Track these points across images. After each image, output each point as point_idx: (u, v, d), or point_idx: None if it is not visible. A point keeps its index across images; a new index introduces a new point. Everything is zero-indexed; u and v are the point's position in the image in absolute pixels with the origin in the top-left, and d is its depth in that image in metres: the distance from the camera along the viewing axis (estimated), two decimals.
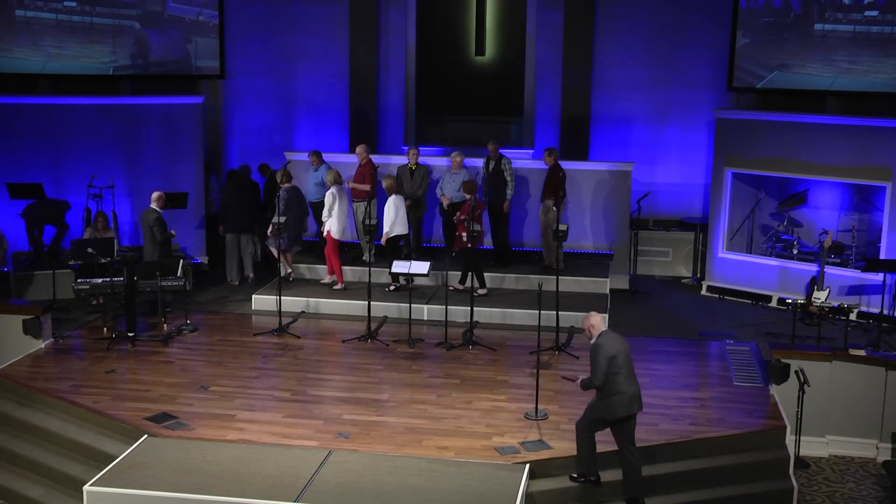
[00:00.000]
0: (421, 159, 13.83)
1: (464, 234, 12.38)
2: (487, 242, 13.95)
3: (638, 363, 11.10)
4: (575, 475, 8.52)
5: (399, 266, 11.87)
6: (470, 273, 12.39)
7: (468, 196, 12.54)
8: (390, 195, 12.93)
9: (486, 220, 13.67)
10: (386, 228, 12.93)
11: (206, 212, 15.19)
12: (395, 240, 13.04)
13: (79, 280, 12.10)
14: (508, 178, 13.35)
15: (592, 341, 8.27)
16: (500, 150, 13.78)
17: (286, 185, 13.20)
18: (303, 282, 13.67)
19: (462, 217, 12.49)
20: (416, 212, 13.65)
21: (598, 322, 8.33)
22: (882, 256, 12.84)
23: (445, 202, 13.55)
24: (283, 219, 12.34)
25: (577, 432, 8.44)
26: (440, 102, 16.37)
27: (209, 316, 12.70)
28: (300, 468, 8.26)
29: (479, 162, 13.97)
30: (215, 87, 16.30)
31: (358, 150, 13.84)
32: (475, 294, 12.37)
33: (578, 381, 8.43)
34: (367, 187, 13.47)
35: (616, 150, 15.51)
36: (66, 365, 10.81)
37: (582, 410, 9.55)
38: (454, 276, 13.04)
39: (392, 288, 13.03)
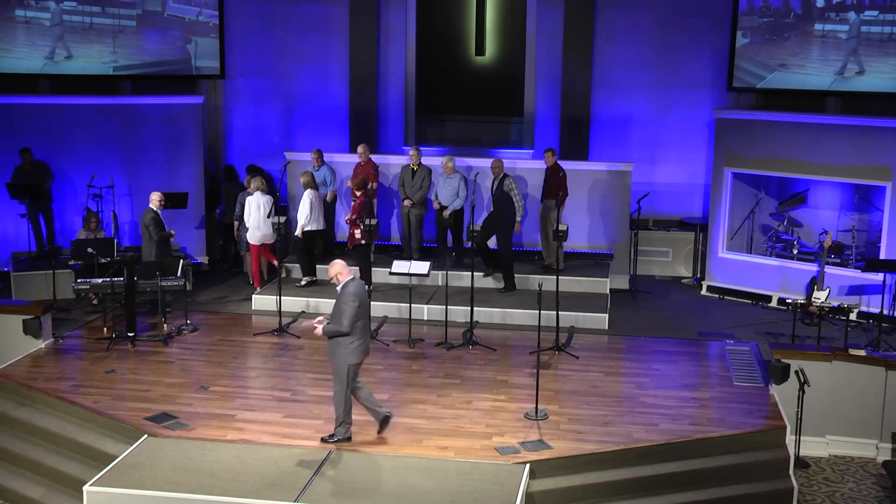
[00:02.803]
0: (423, 160, 13.77)
1: (356, 232, 12.63)
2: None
3: (638, 363, 11.20)
4: (337, 437, 8.73)
5: (399, 266, 11.88)
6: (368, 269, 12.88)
7: (358, 193, 12.78)
8: (305, 190, 13.08)
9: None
10: (301, 222, 13.09)
11: (223, 220, 15.20)
12: (312, 236, 13.22)
13: (79, 280, 12.11)
14: (517, 201, 12.85)
15: (340, 287, 8.55)
16: (500, 151, 13.72)
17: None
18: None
19: (353, 216, 12.65)
20: (417, 212, 13.64)
21: (345, 269, 8.62)
22: (882, 256, 12.84)
23: (436, 205, 13.51)
24: (277, 219, 12.44)
25: (345, 395, 8.62)
26: (440, 102, 16.37)
27: (209, 316, 12.70)
28: (300, 468, 8.26)
29: (479, 162, 13.94)
30: (215, 87, 16.31)
31: (359, 149, 13.88)
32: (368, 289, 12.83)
33: (318, 329, 8.55)
34: (373, 186, 13.47)
35: (616, 150, 15.50)
36: (66, 365, 10.81)
37: (583, 410, 9.59)
38: (453, 276, 13.03)
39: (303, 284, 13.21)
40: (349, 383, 8.63)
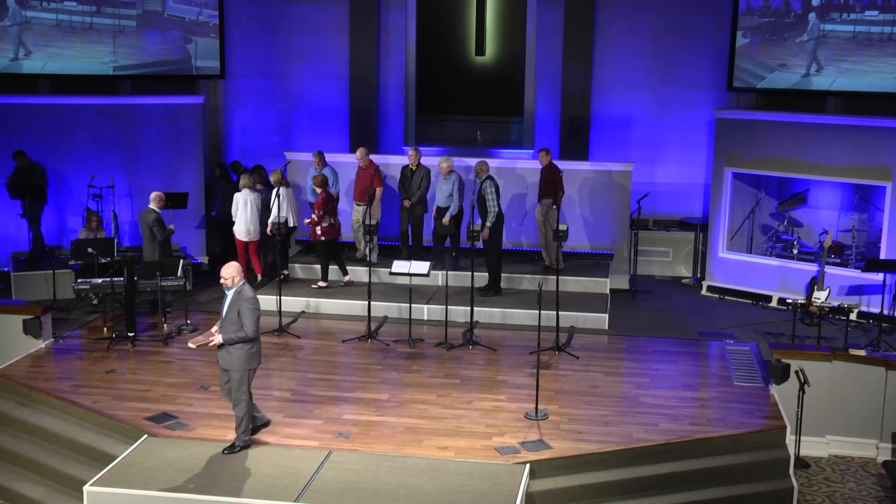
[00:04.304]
0: (422, 160, 13.74)
1: (318, 228, 12.91)
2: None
3: (638, 363, 11.20)
4: (239, 446, 8.56)
5: (399, 266, 11.88)
6: (329, 266, 13.19)
7: (319, 190, 12.98)
8: (275, 188, 13.21)
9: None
10: (272, 219, 13.22)
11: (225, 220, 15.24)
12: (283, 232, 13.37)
13: (79, 280, 12.11)
14: (490, 204, 12.56)
15: (234, 290, 8.32)
16: (500, 151, 13.68)
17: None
18: (302, 282, 13.66)
19: (318, 212, 12.85)
20: (417, 212, 13.63)
21: (238, 272, 8.38)
22: (882, 256, 12.85)
23: (434, 213, 13.49)
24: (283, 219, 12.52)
25: (246, 398, 8.47)
26: (440, 102, 16.38)
27: (209, 316, 12.67)
28: (300, 468, 8.26)
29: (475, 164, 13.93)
30: (215, 87, 16.31)
31: (358, 153, 13.72)
32: (335, 284, 13.24)
33: (216, 339, 8.31)
34: (377, 189, 13.42)
35: (616, 150, 15.51)
36: (66, 365, 10.81)
37: (583, 410, 9.59)
38: (453, 276, 13.04)
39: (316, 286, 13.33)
40: (250, 388, 8.52)
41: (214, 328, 8.50)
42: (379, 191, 13.41)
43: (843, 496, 9.30)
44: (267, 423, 8.96)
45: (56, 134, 14.48)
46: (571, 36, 15.51)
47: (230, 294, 8.38)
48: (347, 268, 13.48)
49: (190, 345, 8.57)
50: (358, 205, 13.69)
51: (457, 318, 12.18)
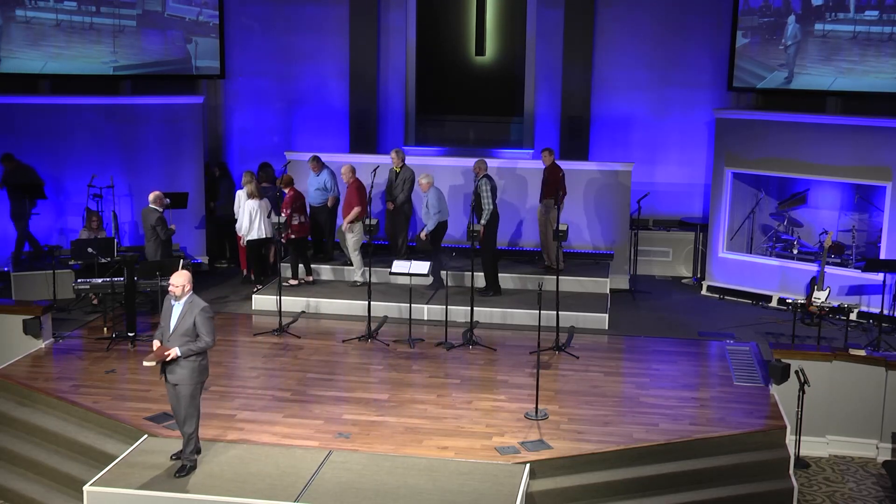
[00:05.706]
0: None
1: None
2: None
3: (638, 363, 11.20)
4: (189, 466, 8.24)
5: (399, 266, 11.88)
6: (299, 264, 13.42)
7: (286, 189, 13.14)
8: (250, 199, 13.34)
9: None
10: (244, 232, 13.40)
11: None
12: (257, 244, 13.54)
13: (79, 280, 12.11)
14: (485, 202, 12.41)
15: (186, 300, 8.06)
16: (500, 151, 13.63)
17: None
18: (302, 282, 13.66)
19: (286, 210, 12.93)
20: (404, 213, 13.61)
21: (190, 281, 8.13)
22: (882, 256, 12.84)
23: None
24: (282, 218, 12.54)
25: (197, 414, 8.23)
26: (440, 102, 16.37)
27: None
28: (300, 468, 8.26)
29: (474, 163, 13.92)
30: (215, 87, 16.31)
31: (343, 170, 13.47)
32: (301, 282, 13.41)
33: (173, 352, 7.98)
34: (357, 210, 13.26)
35: (616, 150, 15.51)
36: (66, 365, 10.81)
37: (583, 410, 9.60)
38: (453, 276, 13.03)
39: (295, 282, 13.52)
40: (198, 402, 8.26)
41: (157, 342, 8.18)
42: (355, 210, 13.14)
43: (843, 496, 9.30)
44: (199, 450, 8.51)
45: (56, 134, 14.48)
46: (571, 36, 15.50)
47: (180, 304, 8.07)
48: (342, 268, 13.50)
49: (145, 363, 8.19)
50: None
51: (457, 318, 12.18)
